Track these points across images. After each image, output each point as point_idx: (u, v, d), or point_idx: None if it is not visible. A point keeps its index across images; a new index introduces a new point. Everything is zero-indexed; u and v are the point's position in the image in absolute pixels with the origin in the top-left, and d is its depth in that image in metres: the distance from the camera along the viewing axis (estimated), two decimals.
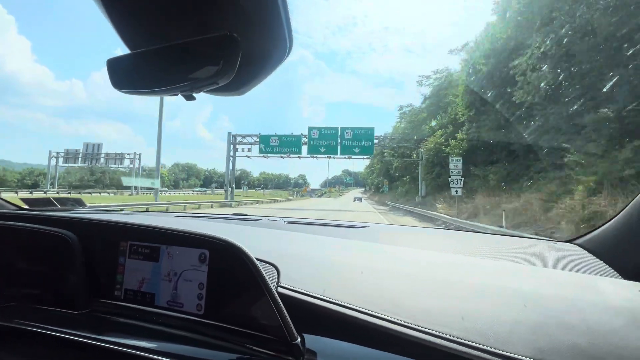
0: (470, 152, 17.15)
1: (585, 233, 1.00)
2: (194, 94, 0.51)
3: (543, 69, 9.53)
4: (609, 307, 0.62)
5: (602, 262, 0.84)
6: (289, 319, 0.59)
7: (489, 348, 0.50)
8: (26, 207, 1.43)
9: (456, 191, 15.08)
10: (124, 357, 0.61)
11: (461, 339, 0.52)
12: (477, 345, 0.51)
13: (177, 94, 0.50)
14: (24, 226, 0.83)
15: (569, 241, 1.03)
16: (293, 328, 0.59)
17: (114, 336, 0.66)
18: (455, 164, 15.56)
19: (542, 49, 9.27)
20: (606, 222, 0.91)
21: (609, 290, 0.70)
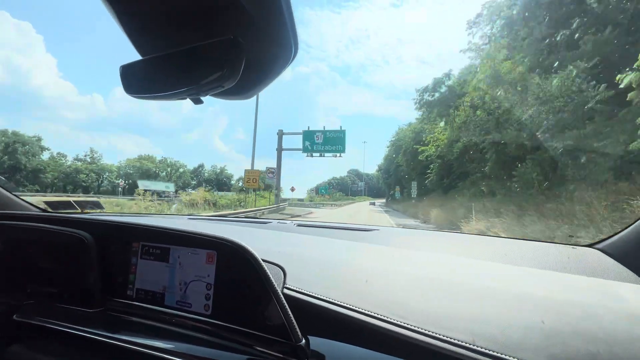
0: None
1: (606, 237, 0.95)
2: (202, 98, 0.52)
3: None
4: (630, 314, 0.59)
5: (624, 267, 0.80)
6: (293, 321, 0.59)
7: (498, 354, 0.49)
8: (48, 209, 1.49)
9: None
10: (135, 355, 0.63)
11: (470, 344, 0.51)
12: (486, 350, 0.50)
13: (185, 98, 0.51)
14: (44, 227, 0.86)
15: (590, 246, 0.99)
16: (298, 330, 0.59)
17: (125, 334, 0.68)
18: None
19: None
20: (628, 226, 0.87)
21: (631, 296, 0.66)
